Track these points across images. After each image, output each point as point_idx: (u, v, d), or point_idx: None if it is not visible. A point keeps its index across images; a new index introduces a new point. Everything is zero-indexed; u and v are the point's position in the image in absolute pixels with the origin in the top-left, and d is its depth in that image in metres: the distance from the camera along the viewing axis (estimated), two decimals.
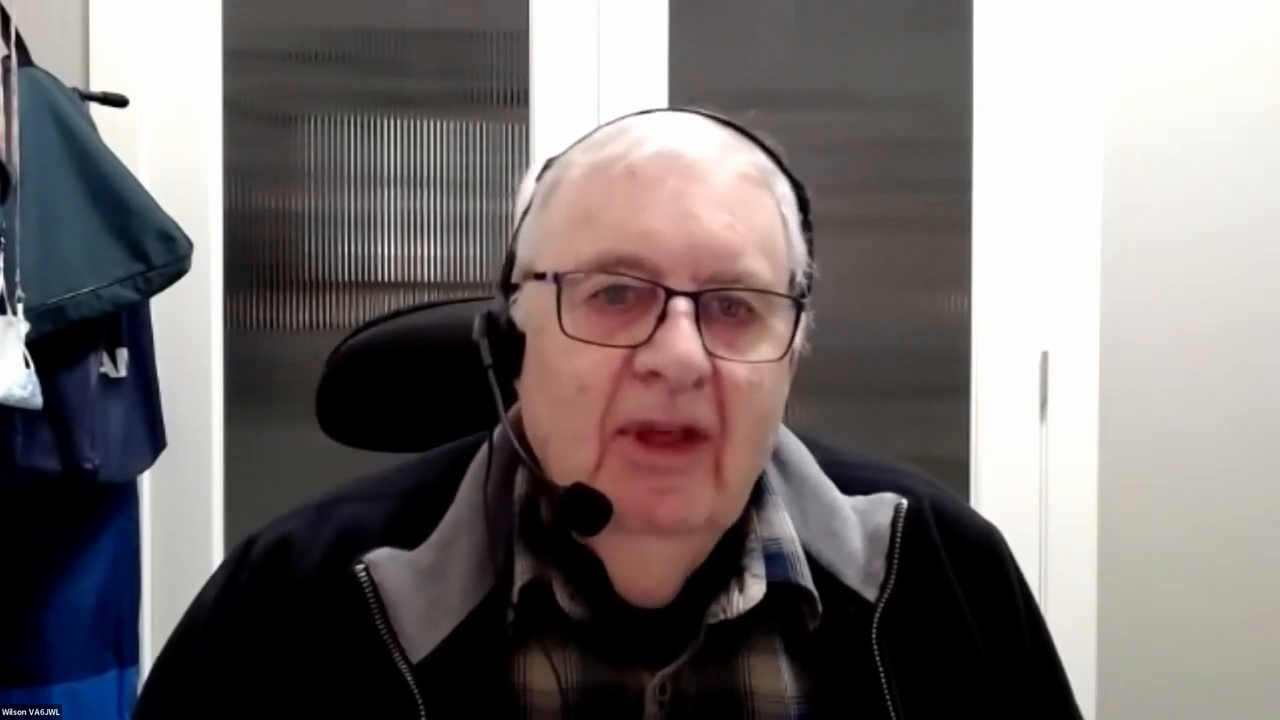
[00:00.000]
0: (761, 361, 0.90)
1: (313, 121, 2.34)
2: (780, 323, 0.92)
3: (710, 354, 0.88)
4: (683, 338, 0.87)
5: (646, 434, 0.89)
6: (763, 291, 0.90)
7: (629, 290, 0.89)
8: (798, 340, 0.94)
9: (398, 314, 1.22)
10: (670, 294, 0.88)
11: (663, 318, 0.88)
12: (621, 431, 0.89)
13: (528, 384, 0.95)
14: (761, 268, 0.90)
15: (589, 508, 0.89)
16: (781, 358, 0.91)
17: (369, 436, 1.22)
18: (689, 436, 0.89)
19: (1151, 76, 2.27)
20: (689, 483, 0.90)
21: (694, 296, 0.88)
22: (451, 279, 2.34)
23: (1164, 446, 2.28)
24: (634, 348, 0.88)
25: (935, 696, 0.97)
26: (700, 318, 0.88)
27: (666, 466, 0.89)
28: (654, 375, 0.87)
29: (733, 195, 0.91)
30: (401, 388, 1.19)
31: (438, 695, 0.91)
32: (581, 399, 0.89)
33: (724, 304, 0.90)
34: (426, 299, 2.31)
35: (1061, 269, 2.28)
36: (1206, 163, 2.27)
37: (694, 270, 0.88)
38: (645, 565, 0.94)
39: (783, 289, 0.92)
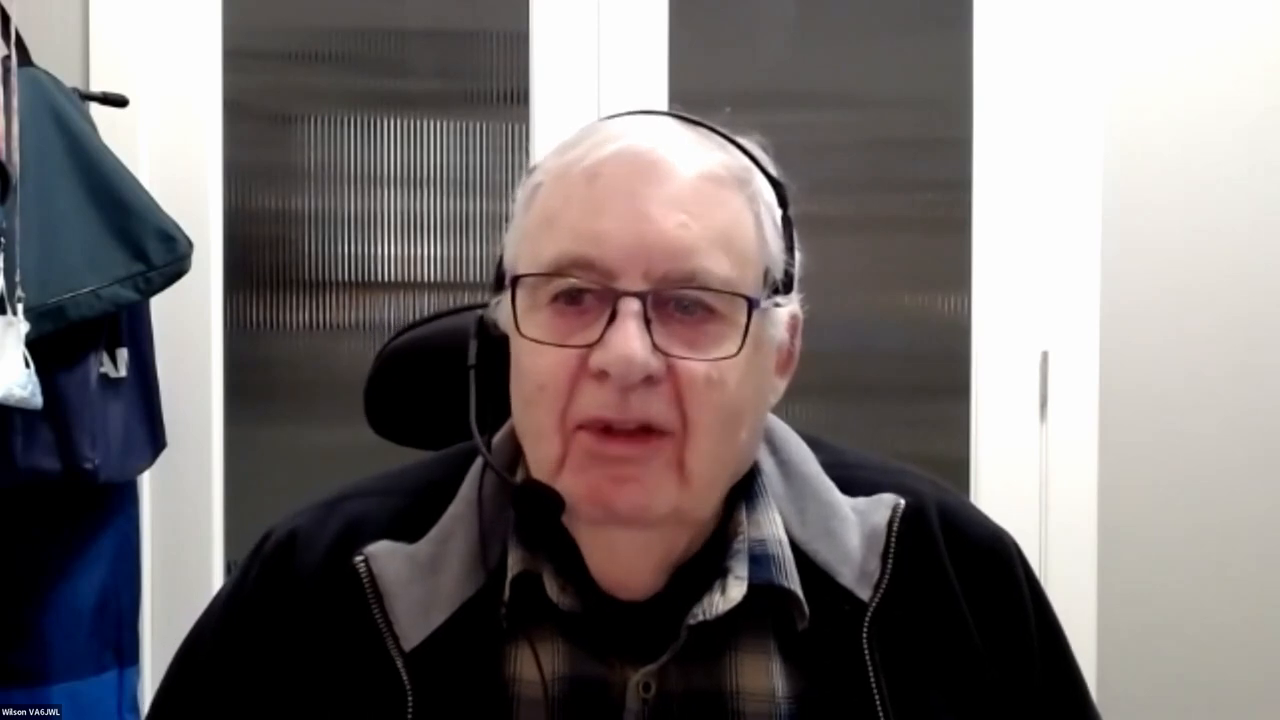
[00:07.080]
0: (722, 359, 0.90)
1: (313, 121, 2.34)
2: (746, 320, 0.92)
3: (665, 353, 0.89)
4: (628, 338, 0.88)
5: (604, 429, 0.90)
6: (719, 291, 0.91)
7: (587, 292, 0.91)
8: (772, 336, 0.95)
9: (439, 316, 1.24)
10: (619, 294, 0.89)
11: (613, 318, 0.89)
12: (581, 427, 0.91)
13: (512, 383, 0.97)
14: (720, 266, 0.91)
15: (541, 504, 0.92)
16: (737, 354, 0.91)
17: (413, 434, 1.24)
18: (647, 431, 0.90)
19: (1151, 76, 2.27)
20: (646, 473, 0.90)
21: (643, 296, 0.89)
22: (451, 279, 2.34)
23: (1164, 446, 2.28)
24: (589, 347, 0.90)
25: (928, 698, 0.97)
26: (656, 317, 0.89)
27: (622, 456, 0.90)
28: (605, 374, 0.89)
29: (691, 194, 0.91)
30: (443, 387, 1.21)
31: (427, 683, 0.93)
32: (541, 396, 0.91)
33: (681, 303, 0.90)
34: (426, 299, 2.33)
35: (1061, 269, 2.28)
36: (1206, 163, 2.27)
37: (646, 270, 0.90)
38: (614, 556, 0.96)
39: (750, 286, 0.92)
